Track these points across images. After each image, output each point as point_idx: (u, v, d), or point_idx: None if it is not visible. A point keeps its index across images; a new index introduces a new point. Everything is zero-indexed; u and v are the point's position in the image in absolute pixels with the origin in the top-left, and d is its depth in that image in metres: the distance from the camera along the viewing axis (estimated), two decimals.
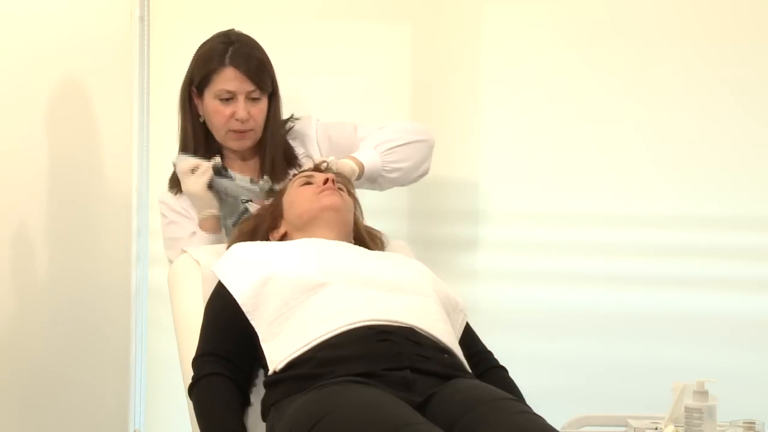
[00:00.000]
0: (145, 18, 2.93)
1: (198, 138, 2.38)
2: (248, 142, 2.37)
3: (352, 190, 2.24)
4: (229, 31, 2.37)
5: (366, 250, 2.10)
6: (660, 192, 2.78)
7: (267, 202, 2.26)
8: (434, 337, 1.84)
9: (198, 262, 2.14)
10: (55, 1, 2.98)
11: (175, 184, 2.39)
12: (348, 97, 2.92)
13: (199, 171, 2.30)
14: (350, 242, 2.13)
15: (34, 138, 2.97)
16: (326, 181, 2.13)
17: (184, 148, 2.40)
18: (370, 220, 2.29)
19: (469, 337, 2.03)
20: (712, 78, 2.75)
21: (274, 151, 2.39)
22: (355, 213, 2.20)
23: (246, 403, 1.87)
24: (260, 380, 1.88)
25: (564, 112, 2.80)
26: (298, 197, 2.14)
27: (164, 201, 2.41)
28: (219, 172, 2.31)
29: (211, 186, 2.31)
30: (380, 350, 1.75)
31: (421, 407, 1.69)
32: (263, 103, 2.36)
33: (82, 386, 2.94)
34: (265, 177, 2.33)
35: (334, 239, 2.06)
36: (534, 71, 2.83)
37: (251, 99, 2.32)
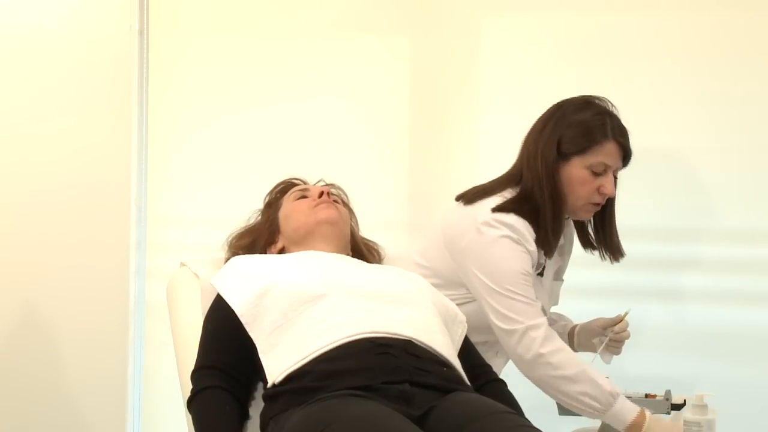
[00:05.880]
0: (144, 32, 2.94)
1: (556, 203, 2.23)
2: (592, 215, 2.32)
3: (347, 202, 2.24)
4: (595, 97, 2.27)
5: (364, 262, 2.10)
6: (656, 205, 2.78)
7: None
8: (433, 349, 1.84)
9: (197, 275, 2.14)
10: (54, 16, 2.99)
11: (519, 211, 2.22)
12: (347, 112, 2.92)
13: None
14: (348, 255, 2.13)
15: (32, 152, 2.98)
16: (321, 194, 2.13)
17: (513, 209, 2.22)
18: (368, 233, 2.29)
19: (468, 350, 2.03)
20: (712, 94, 2.75)
21: (615, 227, 2.35)
22: (351, 225, 2.20)
23: (245, 416, 1.86)
24: (259, 393, 1.87)
25: None
26: (294, 211, 2.13)
27: (512, 224, 2.20)
28: None
29: None
30: (379, 363, 1.75)
31: (420, 421, 1.69)
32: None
33: (80, 399, 2.94)
34: None
35: (332, 252, 2.06)
36: (532, 84, 2.83)
37: (614, 175, 2.27)
